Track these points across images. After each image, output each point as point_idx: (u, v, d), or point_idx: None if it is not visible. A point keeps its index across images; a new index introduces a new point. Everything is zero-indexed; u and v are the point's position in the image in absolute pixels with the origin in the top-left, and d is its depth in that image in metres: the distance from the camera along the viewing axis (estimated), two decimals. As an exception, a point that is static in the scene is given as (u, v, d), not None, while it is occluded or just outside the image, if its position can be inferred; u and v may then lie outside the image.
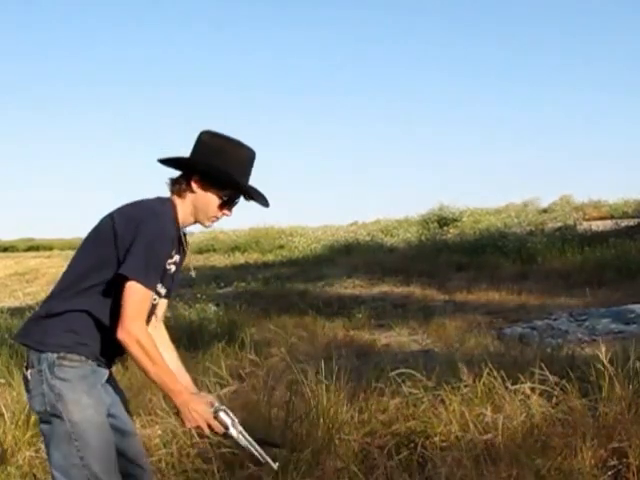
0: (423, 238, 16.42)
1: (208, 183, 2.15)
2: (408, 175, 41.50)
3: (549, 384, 3.54)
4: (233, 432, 2.14)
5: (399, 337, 7.05)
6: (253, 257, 18.29)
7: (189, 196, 2.16)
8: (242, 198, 2.22)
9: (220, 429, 2.13)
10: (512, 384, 3.59)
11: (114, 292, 2.05)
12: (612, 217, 16.62)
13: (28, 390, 2.09)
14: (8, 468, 3.47)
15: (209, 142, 2.17)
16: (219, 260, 18.63)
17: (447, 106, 44.33)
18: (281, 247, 19.44)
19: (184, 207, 2.17)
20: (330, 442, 3.41)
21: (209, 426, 2.11)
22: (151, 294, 2.06)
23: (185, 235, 2.25)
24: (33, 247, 29.56)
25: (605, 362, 3.48)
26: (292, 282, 11.89)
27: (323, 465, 3.24)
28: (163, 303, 2.30)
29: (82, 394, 2.05)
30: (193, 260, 19.33)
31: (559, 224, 15.05)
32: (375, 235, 19.00)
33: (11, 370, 5.24)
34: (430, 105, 44.45)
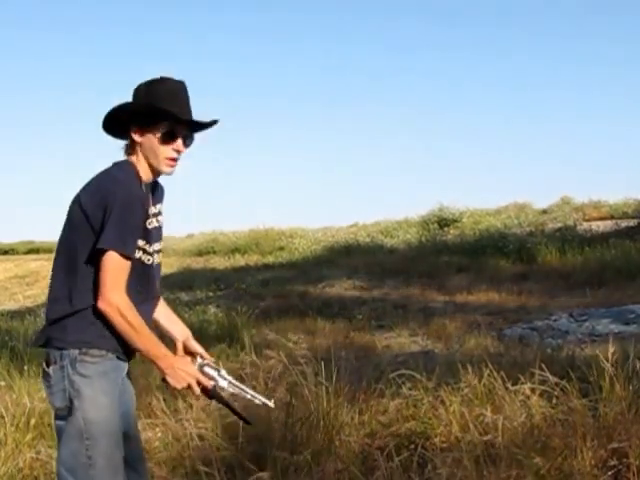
0: (423, 239, 16.40)
1: (143, 126, 2.11)
2: (408, 176, 41.49)
3: (549, 384, 3.52)
4: (222, 382, 2.18)
5: (399, 338, 7.06)
6: (253, 259, 18.27)
7: (138, 150, 2.13)
8: (192, 132, 2.17)
9: (208, 383, 2.15)
10: (512, 385, 3.58)
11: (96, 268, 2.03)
12: (612, 217, 16.60)
13: (49, 386, 2.09)
14: (9, 470, 3.46)
15: (141, 87, 2.14)
16: (219, 262, 18.61)
17: (447, 107, 44.36)
18: (281, 249, 19.42)
19: (140, 163, 2.14)
20: (330, 443, 3.41)
21: (198, 384, 2.13)
22: (128, 263, 2.04)
23: (157, 184, 2.24)
24: (33, 250, 29.50)
25: (605, 362, 3.47)
26: (292, 284, 11.88)
27: (323, 466, 3.24)
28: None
29: (100, 393, 2.05)
30: (193, 262, 19.33)
31: (559, 225, 15.05)
32: (375, 236, 18.99)
33: (11, 373, 5.23)
34: (430, 106, 44.48)
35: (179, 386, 2.12)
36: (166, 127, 2.12)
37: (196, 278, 14.09)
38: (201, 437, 3.38)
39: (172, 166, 2.16)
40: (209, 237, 23.53)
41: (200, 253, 21.47)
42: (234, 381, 2.20)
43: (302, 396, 3.81)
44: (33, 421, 3.91)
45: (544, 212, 19.79)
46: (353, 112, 45.02)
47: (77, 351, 2.04)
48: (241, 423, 2.36)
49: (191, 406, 4.01)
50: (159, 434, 3.60)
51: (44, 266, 21.17)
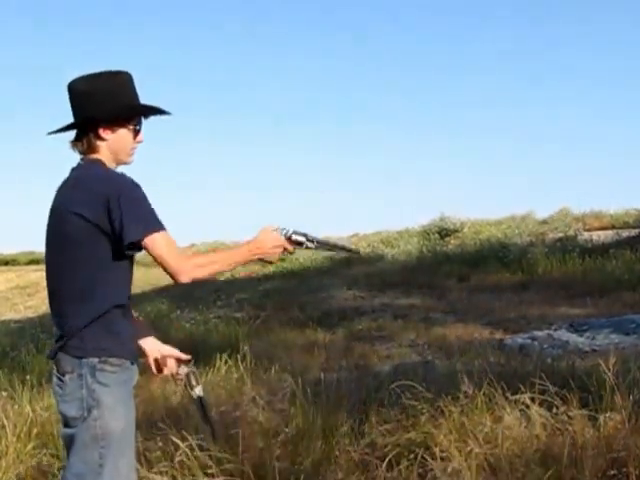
0: (424, 249, 16.40)
1: (115, 124, 2.13)
2: (409, 186, 41.50)
3: (549, 394, 3.52)
4: (310, 245, 2.27)
5: (400, 348, 7.05)
6: (253, 269, 18.27)
7: (102, 145, 2.14)
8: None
9: (295, 246, 2.26)
10: (512, 394, 3.58)
11: (126, 265, 2.09)
12: (613, 227, 16.59)
13: (62, 395, 2.08)
14: (10, 480, 3.47)
15: (88, 88, 2.13)
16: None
17: (447, 118, 44.45)
18: (281, 259, 19.42)
19: (104, 157, 2.15)
20: (330, 453, 3.41)
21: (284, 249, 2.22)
22: (167, 232, 2.05)
23: None
24: (34, 260, 29.45)
25: (606, 372, 3.48)
26: (293, 294, 11.89)
27: (323, 476, 3.25)
28: None
29: (119, 403, 2.07)
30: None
31: (560, 235, 15.05)
32: (376, 246, 19.00)
33: (13, 382, 5.24)
34: (430, 116, 44.57)
35: (274, 260, 2.24)
36: (136, 121, 2.18)
37: (197, 288, 14.10)
38: (201, 447, 3.38)
39: (133, 155, 2.22)
40: (210, 247, 23.53)
41: (200, 264, 21.43)
42: (318, 238, 2.29)
43: (302, 406, 3.81)
44: (35, 430, 3.91)
45: (544, 222, 19.79)
46: (353, 122, 45.07)
47: (97, 359, 2.04)
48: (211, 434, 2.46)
49: (192, 418, 4.01)
50: (160, 443, 3.60)
51: (44, 277, 21.18)
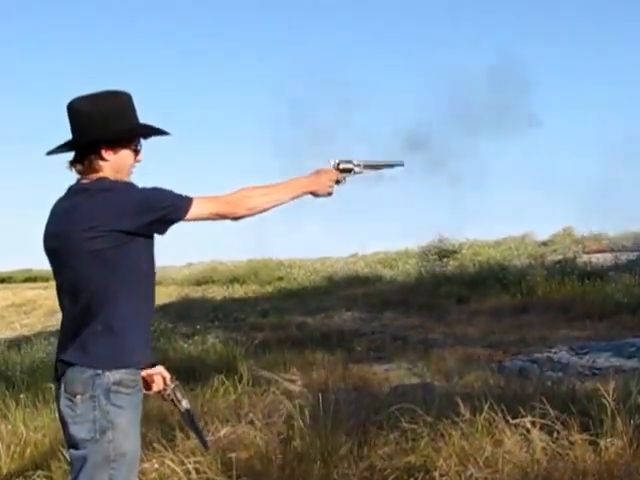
0: (423, 270, 16.39)
1: (118, 145, 2.16)
2: (408, 206, 41.49)
3: (550, 418, 3.50)
4: (357, 169, 2.40)
5: (398, 370, 7.02)
6: (252, 289, 18.23)
7: (104, 165, 2.15)
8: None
9: (345, 174, 2.39)
10: (512, 418, 3.55)
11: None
12: (612, 250, 16.59)
13: (73, 417, 2.04)
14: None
15: (90, 109, 2.14)
16: (218, 292, 18.55)
17: (444, 137, 44.43)
18: (280, 279, 19.38)
19: (108, 176, 2.16)
20: (329, 477, 3.37)
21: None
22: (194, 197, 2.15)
23: None
24: (31, 278, 29.30)
25: (606, 396, 3.45)
26: (291, 314, 11.84)
27: (322, 500, 3.20)
28: None
29: (132, 426, 2.08)
30: (192, 292, 19.29)
31: (559, 257, 15.03)
32: (374, 267, 18.98)
33: (7, 402, 5.19)
34: (428, 135, 44.57)
35: (329, 191, 2.35)
36: (137, 141, 2.22)
37: (194, 308, 14.05)
38: (198, 470, 3.34)
39: (132, 174, 2.26)
40: (208, 266, 23.45)
41: (199, 282, 21.40)
42: (367, 161, 2.42)
43: (300, 429, 3.77)
44: (29, 450, 3.87)
45: (544, 244, 19.81)
46: (350, 138, 44.95)
47: (111, 380, 2.03)
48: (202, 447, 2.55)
49: (188, 437, 3.97)
50: (156, 465, 3.55)
51: (41, 294, 21.10)
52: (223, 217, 2.19)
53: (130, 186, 2.16)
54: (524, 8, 35.94)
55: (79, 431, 2.04)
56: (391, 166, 2.50)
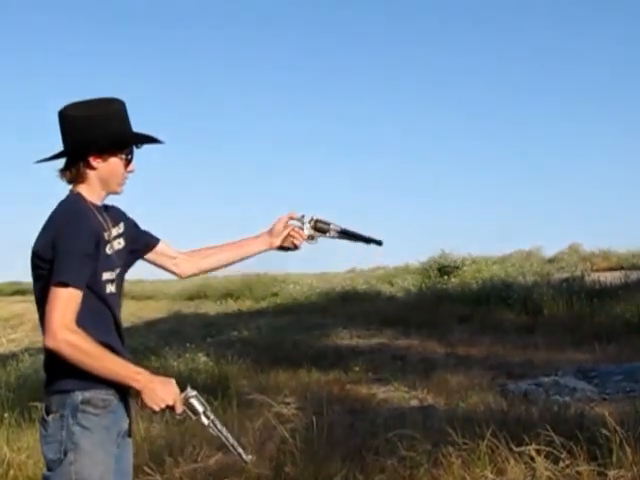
0: (423, 287, 16.20)
1: (107, 153, 2.09)
2: (408, 221, 41.26)
3: (555, 446, 3.40)
4: (204, 420, 2.06)
5: (397, 392, 6.85)
6: (246, 304, 18.08)
7: (91, 174, 2.09)
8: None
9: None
10: (516, 445, 3.47)
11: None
12: (622, 268, 16.35)
13: (45, 436, 2.00)
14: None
15: (81, 116, 2.08)
16: (211, 307, 18.44)
17: (448, 150, 44.24)
18: (275, 294, 19.21)
19: (92, 187, 2.10)
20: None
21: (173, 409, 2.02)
22: (78, 292, 1.94)
23: (107, 208, 2.18)
24: (19, 291, 29.12)
25: (614, 424, 3.31)
26: (286, 331, 11.69)
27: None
28: (161, 253, 2.33)
29: (99, 448, 1.97)
30: (184, 307, 19.13)
31: (566, 275, 14.80)
32: (373, 283, 18.80)
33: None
34: (430, 149, 44.38)
35: (156, 407, 1.98)
36: (128, 150, 2.14)
37: (186, 324, 13.88)
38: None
39: (124, 185, 2.18)
40: (201, 281, 23.24)
41: (191, 297, 21.25)
42: (218, 423, 2.07)
43: (293, 454, 3.63)
44: (12, 472, 3.73)
45: (550, 261, 19.61)
46: (349, 156, 44.89)
47: (80, 398, 1.96)
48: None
49: (177, 464, 3.83)
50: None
51: (29, 309, 20.82)
52: (43, 331, 1.94)
53: (69, 216, 2.02)
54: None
55: (48, 451, 1.99)
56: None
